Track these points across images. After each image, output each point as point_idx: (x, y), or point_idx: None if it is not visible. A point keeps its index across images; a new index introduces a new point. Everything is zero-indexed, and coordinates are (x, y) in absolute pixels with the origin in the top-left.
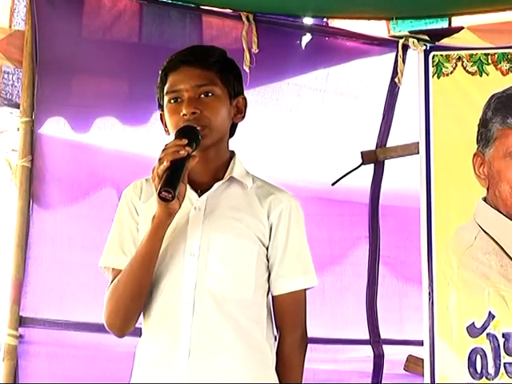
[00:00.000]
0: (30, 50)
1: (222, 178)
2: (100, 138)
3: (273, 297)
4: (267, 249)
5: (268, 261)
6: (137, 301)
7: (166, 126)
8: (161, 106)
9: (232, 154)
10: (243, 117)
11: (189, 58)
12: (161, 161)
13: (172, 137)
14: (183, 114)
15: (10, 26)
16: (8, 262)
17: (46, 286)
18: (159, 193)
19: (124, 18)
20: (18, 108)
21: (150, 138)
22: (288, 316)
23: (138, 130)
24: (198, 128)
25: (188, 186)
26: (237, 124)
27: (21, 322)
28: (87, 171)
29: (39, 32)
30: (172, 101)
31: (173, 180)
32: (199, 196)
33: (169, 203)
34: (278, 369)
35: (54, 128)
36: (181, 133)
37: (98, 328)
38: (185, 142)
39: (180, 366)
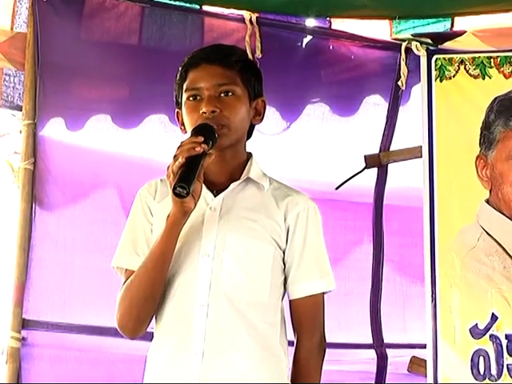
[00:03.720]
0: (32, 53)
1: (238, 179)
2: (101, 140)
3: (290, 301)
4: (284, 252)
5: (284, 264)
6: (150, 301)
7: (182, 124)
8: (178, 104)
9: (249, 156)
10: (262, 119)
11: (210, 56)
12: (176, 157)
13: (188, 135)
14: (202, 112)
15: (12, 29)
16: (11, 264)
17: (48, 288)
18: (174, 189)
19: (124, 20)
20: (20, 110)
21: (149, 140)
22: (306, 320)
23: (137, 132)
24: (216, 127)
25: (204, 186)
26: (254, 126)
27: (24, 324)
28: (89, 173)
29: (41, 34)
30: (191, 98)
31: (188, 176)
32: (215, 196)
33: (184, 201)
34: (296, 373)
35: (56, 130)
36: (197, 130)
37: (100, 331)
38: (201, 139)
39: (194, 367)
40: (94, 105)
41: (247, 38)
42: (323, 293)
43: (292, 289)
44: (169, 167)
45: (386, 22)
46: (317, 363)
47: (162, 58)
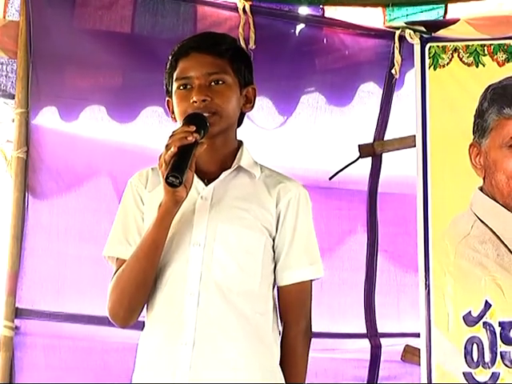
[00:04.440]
0: (24, 41)
1: (229, 168)
2: (94, 128)
3: (278, 287)
4: (274, 239)
5: (274, 252)
6: (141, 291)
7: (172, 113)
8: (168, 92)
9: (240, 144)
10: (252, 107)
11: (200, 45)
12: (168, 147)
13: (178, 124)
14: (193, 101)
15: (4, 17)
16: (3, 253)
17: (42, 277)
18: (166, 178)
19: (117, 8)
20: (13, 99)
21: (142, 127)
22: (293, 307)
23: (133, 125)
24: (207, 115)
25: (195, 175)
26: (245, 114)
27: (17, 313)
28: (82, 161)
29: (33, 23)
30: (181, 87)
31: (180, 165)
32: (206, 185)
33: (176, 191)
34: (283, 360)
35: (49, 119)
36: (189, 119)
37: (94, 320)
38: (193, 128)
39: (184, 356)
40: (88, 94)
41: (240, 29)
42: (311, 280)
43: (281, 275)
44: (161, 156)
45: (380, 9)
46: (303, 350)
47: (155, 46)
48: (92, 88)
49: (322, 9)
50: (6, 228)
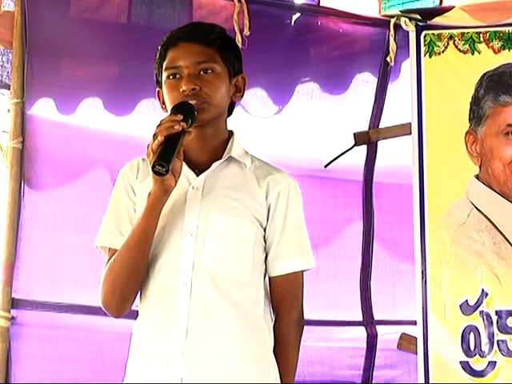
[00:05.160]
0: (19, 31)
1: (220, 158)
2: (90, 119)
3: (270, 278)
4: (265, 230)
5: (265, 242)
6: (133, 280)
7: (163, 103)
8: (158, 82)
9: (230, 134)
10: (242, 96)
11: (189, 34)
12: (155, 136)
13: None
14: (182, 90)
15: (0, 8)
16: None
17: (38, 267)
18: (153, 167)
19: None
20: (8, 89)
21: (139, 119)
22: (285, 297)
23: (129, 117)
24: (196, 103)
25: (186, 166)
26: (235, 103)
27: (13, 303)
28: (79, 152)
29: (29, 13)
30: (171, 77)
31: (167, 154)
32: (197, 175)
33: (164, 179)
34: (275, 349)
35: (45, 109)
36: (176, 108)
37: (90, 310)
38: (180, 117)
39: (178, 344)
40: (84, 85)
41: (235, 16)
42: (302, 271)
43: (272, 266)
44: (148, 146)
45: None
46: (295, 339)
47: (151, 36)
48: (88, 79)
49: (318, 1)
50: (2, 218)
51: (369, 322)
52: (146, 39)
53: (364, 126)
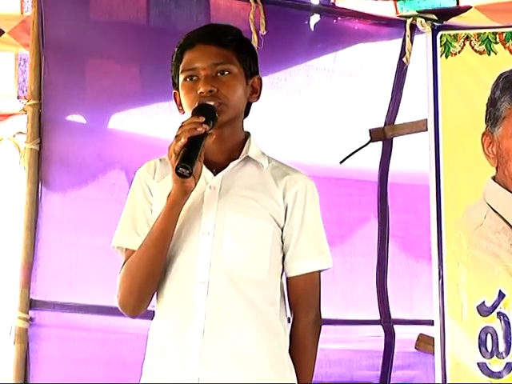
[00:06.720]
0: (36, 33)
1: (237, 158)
2: (107, 121)
3: (287, 278)
4: (282, 230)
5: (283, 242)
6: (151, 280)
7: (180, 105)
8: (175, 84)
9: (247, 135)
10: (258, 97)
11: (205, 36)
12: (178, 138)
13: (186, 115)
14: (200, 92)
15: (22, 12)
16: (17, 245)
17: (55, 268)
18: (176, 169)
19: (131, 0)
20: None
21: (157, 120)
22: (302, 298)
23: (146, 112)
24: (215, 105)
25: (203, 165)
26: (251, 104)
27: (31, 304)
28: (95, 154)
29: (45, 14)
30: (188, 79)
31: (190, 156)
32: (214, 175)
33: (185, 181)
34: (292, 350)
35: (62, 111)
36: (198, 110)
37: (108, 310)
38: (202, 119)
39: (194, 344)
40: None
41: (251, 15)
42: (320, 271)
43: (289, 266)
44: (170, 147)
45: (391, 3)
46: (313, 340)
47: (168, 38)
48: (107, 81)
49: (333, 3)
50: (20, 220)
51: (386, 320)
52: (163, 40)
53: (379, 124)
